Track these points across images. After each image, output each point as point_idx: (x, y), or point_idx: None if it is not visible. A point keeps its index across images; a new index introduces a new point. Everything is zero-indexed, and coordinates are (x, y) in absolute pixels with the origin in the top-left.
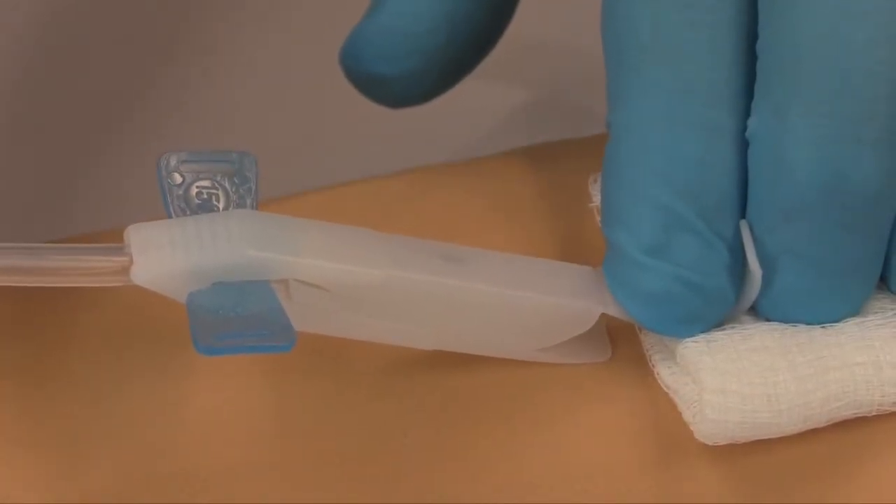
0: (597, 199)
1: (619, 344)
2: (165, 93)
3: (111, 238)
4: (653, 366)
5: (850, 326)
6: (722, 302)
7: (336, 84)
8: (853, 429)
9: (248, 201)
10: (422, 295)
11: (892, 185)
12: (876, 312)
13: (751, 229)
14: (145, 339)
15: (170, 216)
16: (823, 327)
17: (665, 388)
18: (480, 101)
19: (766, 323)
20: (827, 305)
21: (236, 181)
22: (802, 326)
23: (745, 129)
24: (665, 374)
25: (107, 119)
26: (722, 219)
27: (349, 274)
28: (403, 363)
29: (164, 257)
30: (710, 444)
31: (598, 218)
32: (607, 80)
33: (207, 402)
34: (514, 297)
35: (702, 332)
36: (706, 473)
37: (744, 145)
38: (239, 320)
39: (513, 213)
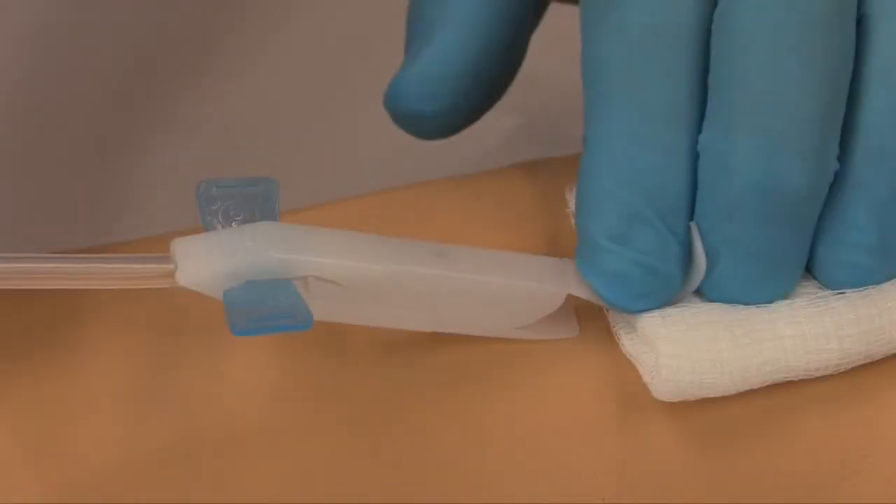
0: (572, 205)
1: (588, 322)
2: (190, 109)
3: (152, 244)
4: (617, 338)
5: (780, 306)
6: (671, 284)
7: (353, 110)
8: (783, 391)
9: (271, 217)
10: (417, 285)
11: (818, 189)
12: (802, 296)
13: (698, 225)
14: (187, 329)
15: (207, 230)
16: (759, 307)
17: (627, 356)
18: (480, 126)
19: (712, 303)
20: (761, 289)
21: (260, 201)
22: (741, 306)
23: (696, 143)
24: (627, 343)
25: (132, 132)
26: (675, 217)
27: (357, 270)
28: (403, 343)
29: (202, 263)
30: (666, 401)
31: (573, 221)
32: (584, 102)
33: (241, 376)
34: (493, 283)
35: (653, 307)
36: (662, 426)
37: (695, 156)
38: (267, 309)
39: (506, 218)
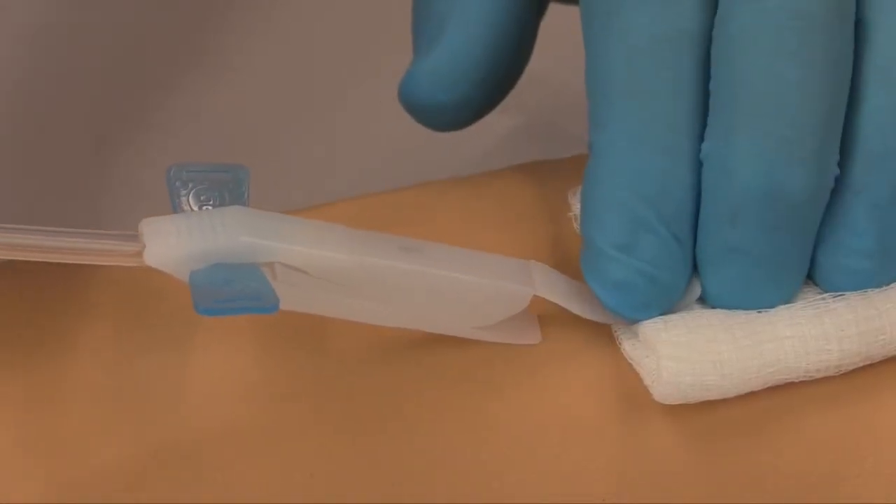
0: (574, 209)
1: (588, 322)
2: (189, 109)
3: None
4: (619, 343)
5: (780, 310)
6: (673, 293)
7: (353, 110)
8: (783, 391)
9: (241, 203)
10: (382, 277)
11: (819, 194)
12: (802, 300)
13: (702, 231)
14: (182, 323)
15: (176, 212)
16: (759, 312)
17: (629, 360)
18: (479, 126)
19: (712, 309)
20: (763, 294)
21: (231, 187)
22: (742, 311)
23: (699, 150)
24: (628, 347)
25: (132, 133)
26: (679, 224)
27: (321, 259)
28: (402, 341)
29: (170, 243)
30: (666, 403)
31: (575, 224)
32: (589, 108)
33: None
34: (458, 280)
35: (654, 316)
36: (662, 426)
37: (698, 164)
38: (233, 291)
39: (506, 218)
